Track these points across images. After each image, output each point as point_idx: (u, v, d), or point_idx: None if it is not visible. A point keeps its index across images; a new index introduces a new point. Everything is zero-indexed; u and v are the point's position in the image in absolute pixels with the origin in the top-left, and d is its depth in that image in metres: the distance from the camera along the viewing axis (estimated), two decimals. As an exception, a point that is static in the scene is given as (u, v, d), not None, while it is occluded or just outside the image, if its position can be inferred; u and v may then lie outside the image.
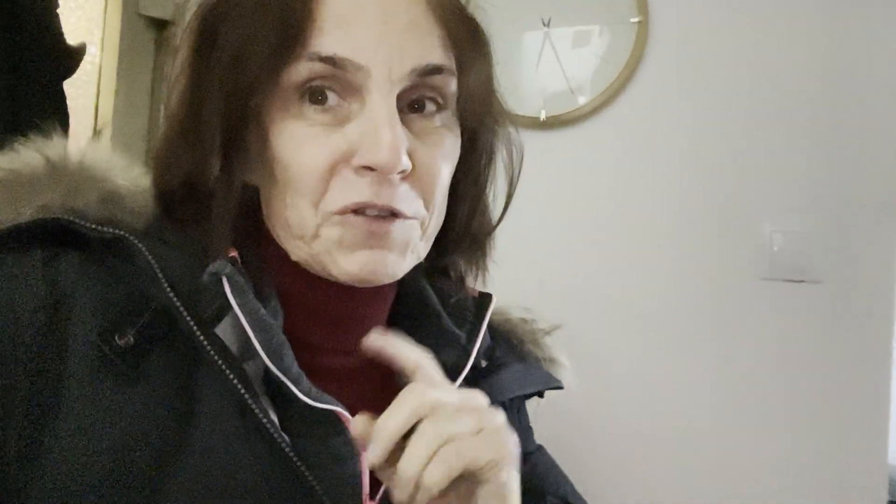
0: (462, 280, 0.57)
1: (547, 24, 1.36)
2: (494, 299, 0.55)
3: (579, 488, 0.62)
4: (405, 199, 0.43)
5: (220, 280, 0.41)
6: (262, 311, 0.41)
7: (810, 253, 1.17)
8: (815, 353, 1.15)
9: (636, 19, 1.29)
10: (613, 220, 1.31)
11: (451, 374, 0.49)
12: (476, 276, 0.56)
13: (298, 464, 0.40)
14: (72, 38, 1.27)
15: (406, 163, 0.41)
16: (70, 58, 1.15)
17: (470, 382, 0.52)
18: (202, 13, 0.44)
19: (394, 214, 0.43)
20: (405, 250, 0.45)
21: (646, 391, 1.26)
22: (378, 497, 0.44)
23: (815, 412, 1.15)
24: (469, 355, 0.51)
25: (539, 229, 1.37)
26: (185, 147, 0.43)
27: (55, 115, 1.07)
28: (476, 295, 0.56)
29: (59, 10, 1.15)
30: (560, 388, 0.59)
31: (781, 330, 1.18)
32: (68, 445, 0.37)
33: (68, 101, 1.31)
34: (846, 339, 1.13)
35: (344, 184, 0.41)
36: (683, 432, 1.23)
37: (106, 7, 1.51)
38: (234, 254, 0.43)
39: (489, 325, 0.58)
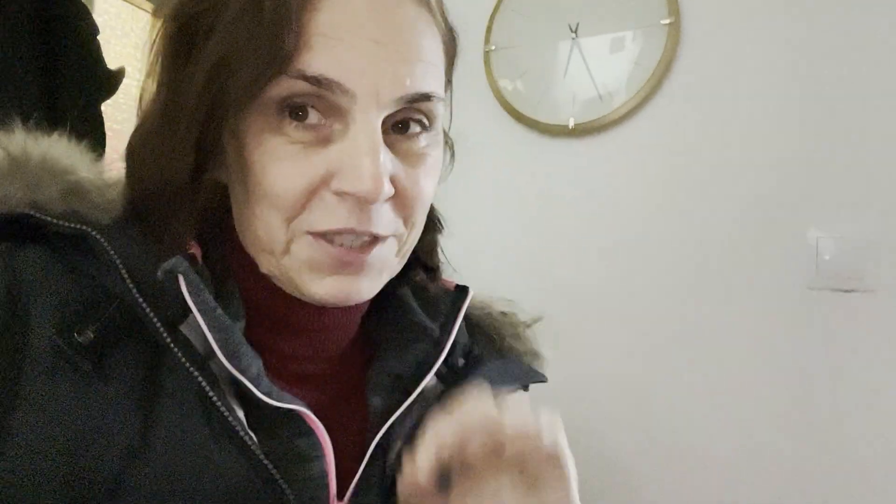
0: (435, 271, 0.55)
1: (574, 31, 1.34)
2: (471, 293, 0.53)
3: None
4: (385, 220, 0.42)
5: (177, 278, 0.39)
6: (219, 310, 0.40)
7: (862, 260, 1.09)
8: (866, 367, 1.06)
9: (667, 21, 1.25)
10: (647, 227, 1.26)
11: (423, 368, 0.48)
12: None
13: (265, 463, 0.39)
14: (117, 63, 1.33)
15: (389, 190, 0.40)
16: (109, 81, 1.20)
17: (447, 382, 0.51)
18: (181, 14, 0.42)
19: (373, 239, 0.42)
20: (380, 273, 0.44)
21: (687, 402, 1.20)
22: (346, 497, 0.43)
23: (865, 429, 1.06)
24: (442, 349, 0.49)
25: (570, 236, 1.34)
26: (159, 149, 0.42)
27: (92, 135, 1.13)
28: (452, 288, 0.54)
29: (98, 37, 1.21)
30: (543, 381, 0.56)
31: (830, 343, 1.09)
32: (25, 442, 0.36)
33: (115, 125, 1.38)
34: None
35: (323, 207, 0.40)
36: (730, 444, 1.16)
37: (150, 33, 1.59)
38: (194, 251, 0.42)
39: (469, 322, 0.56)
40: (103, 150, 1.17)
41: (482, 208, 1.42)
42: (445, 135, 0.52)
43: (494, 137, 1.42)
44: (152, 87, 0.44)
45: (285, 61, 0.38)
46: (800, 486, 1.10)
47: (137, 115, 0.46)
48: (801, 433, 1.10)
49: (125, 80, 1.33)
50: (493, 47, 1.43)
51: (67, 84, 1.10)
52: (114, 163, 0.47)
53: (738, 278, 1.18)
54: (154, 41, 0.44)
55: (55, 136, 0.44)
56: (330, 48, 0.38)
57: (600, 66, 1.32)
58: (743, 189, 1.18)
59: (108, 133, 1.25)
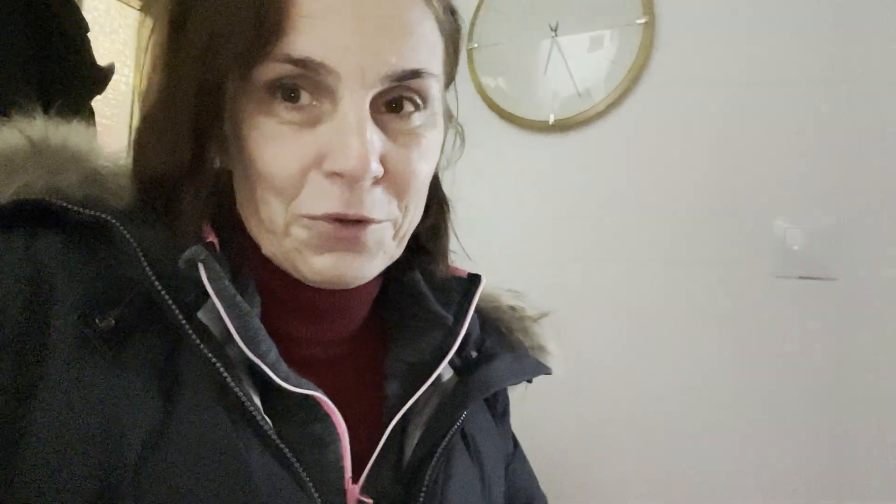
0: (445, 259, 0.56)
1: (554, 30, 1.38)
2: (483, 281, 0.53)
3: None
4: (377, 204, 0.42)
5: (196, 266, 0.40)
6: (238, 297, 0.40)
7: (827, 249, 1.14)
8: (831, 353, 1.11)
9: (642, 20, 1.29)
10: (623, 220, 1.31)
11: (438, 356, 0.48)
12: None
13: (282, 447, 0.40)
14: (106, 60, 1.35)
15: (377, 169, 0.39)
16: (99, 77, 1.22)
17: (461, 373, 0.51)
18: (176, 2, 0.42)
19: (365, 220, 0.42)
20: (376, 252, 0.44)
21: (657, 390, 1.25)
22: (361, 481, 0.44)
23: (831, 413, 1.11)
24: (456, 337, 0.49)
25: (550, 230, 1.38)
26: (159, 135, 0.42)
27: (83, 130, 1.14)
28: (465, 276, 0.54)
29: (89, 34, 1.23)
30: (549, 373, 0.57)
31: (797, 329, 1.14)
32: (51, 426, 0.36)
33: (104, 120, 1.40)
34: (864, 338, 1.09)
35: (316, 189, 0.40)
36: (695, 431, 1.21)
37: (139, 31, 1.60)
38: (211, 238, 0.43)
39: (479, 314, 0.56)
40: (94, 145, 1.19)
41: (464, 201, 1.46)
42: (454, 119, 0.52)
43: (476, 132, 1.45)
44: (154, 77, 0.44)
45: (269, 42, 0.38)
46: (761, 473, 1.15)
47: (140, 103, 0.46)
48: (771, 419, 1.15)
49: (114, 77, 1.35)
50: (476, 45, 1.47)
51: (58, 81, 1.12)
52: (122, 150, 0.47)
53: (709, 268, 1.22)
54: (153, 32, 0.44)
55: (74, 122, 0.45)
56: (312, 28, 0.38)
57: (579, 64, 1.36)
58: (714, 181, 1.23)
59: (98, 128, 1.27)
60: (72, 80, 1.15)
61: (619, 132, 1.32)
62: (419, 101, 0.43)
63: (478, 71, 1.46)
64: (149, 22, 0.46)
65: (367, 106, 0.40)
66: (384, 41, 0.39)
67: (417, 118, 0.43)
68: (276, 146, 0.40)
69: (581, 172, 1.35)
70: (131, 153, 0.46)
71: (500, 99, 1.44)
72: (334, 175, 0.39)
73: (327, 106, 0.40)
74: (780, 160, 1.18)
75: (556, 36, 1.38)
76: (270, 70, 0.39)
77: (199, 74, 0.40)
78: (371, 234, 0.42)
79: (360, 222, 0.41)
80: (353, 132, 0.39)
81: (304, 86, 0.40)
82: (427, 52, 0.42)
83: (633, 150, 1.31)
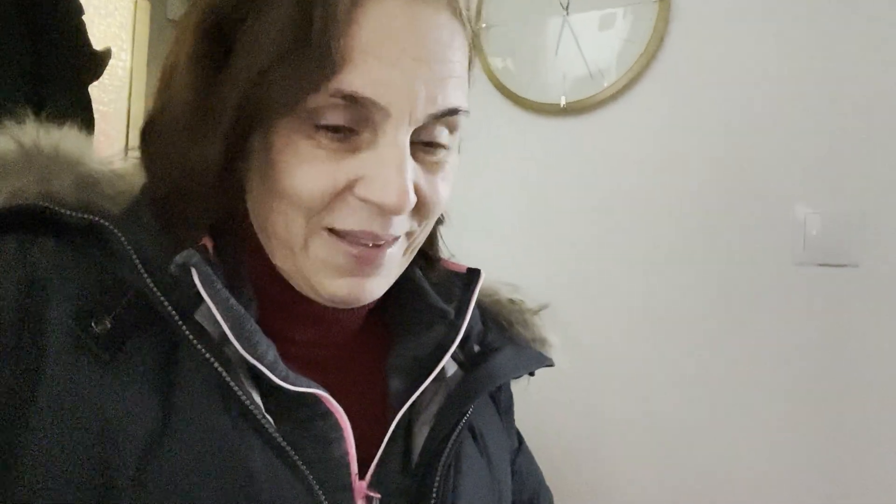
0: (438, 260, 0.56)
1: (566, 8, 1.33)
2: (483, 275, 0.53)
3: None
4: (402, 223, 0.43)
5: (189, 270, 0.40)
6: (232, 300, 0.40)
7: (848, 236, 1.10)
8: (852, 341, 1.09)
9: (657, -2, 1.25)
10: (638, 205, 1.27)
11: (441, 350, 0.49)
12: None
13: (284, 446, 0.40)
14: (102, 44, 1.31)
15: (413, 203, 0.40)
16: (95, 62, 1.18)
17: (465, 368, 0.51)
18: (216, 11, 0.41)
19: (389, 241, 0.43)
20: (389, 273, 0.45)
21: (675, 381, 1.23)
22: (368, 476, 0.44)
23: (851, 402, 1.09)
24: (458, 331, 0.49)
25: (562, 216, 1.35)
26: (188, 145, 0.41)
27: (80, 117, 1.11)
28: (464, 271, 0.55)
29: (84, 18, 1.19)
30: (551, 365, 0.57)
31: (817, 317, 1.12)
32: (49, 431, 0.36)
33: (101, 106, 1.36)
34: (885, 325, 1.06)
35: (346, 207, 0.41)
36: (711, 423, 1.19)
37: (135, 14, 1.56)
38: (205, 242, 0.43)
39: (479, 308, 0.57)
40: (92, 132, 1.15)
41: (472, 187, 1.43)
42: None
43: (485, 116, 1.42)
44: (179, 79, 0.42)
45: (326, 79, 0.38)
46: (786, 458, 1.13)
47: (156, 101, 0.45)
48: (788, 407, 1.13)
49: (110, 61, 1.31)
50: (484, 24, 1.42)
51: (54, 65, 1.09)
52: (116, 154, 0.47)
53: (727, 255, 1.19)
54: (178, 33, 0.43)
55: (66, 127, 0.44)
56: (369, 66, 0.38)
57: (591, 44, 1.31)
58: (733, 165, 1.19)
59: (95, 115, 1.24)
60: (67, 67, 1.11)
61: (633, 115, 1.28)
62: (448, 133, 0.44)
63: (486, 51, 1.42)
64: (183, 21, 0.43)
65: (408, 142, 0.40)
66: (434, 82, 0.40)
67: (444, 151, 0.44)
68: (309, 168, 0.40)
69: (594, 158, 1.32)
70: (142, 153, 0.45)
71: (508, 81, 1.39)
72: (368, 201, 0.40)
73: (367, 135, 0.40)
74: (800, 145, 1.14)
75: (568, 14, 1.33)
76: (318, 100, 0.38)
77: (247, 97, 0.39)
78: (388, 255, 0.43)
79: (380, 245, 0.42)
80: (394, 167, 0.39)
81: (346, 116, 0.40)
82: (463, 88, 0.43)
83: (648, 134, 1.27)
